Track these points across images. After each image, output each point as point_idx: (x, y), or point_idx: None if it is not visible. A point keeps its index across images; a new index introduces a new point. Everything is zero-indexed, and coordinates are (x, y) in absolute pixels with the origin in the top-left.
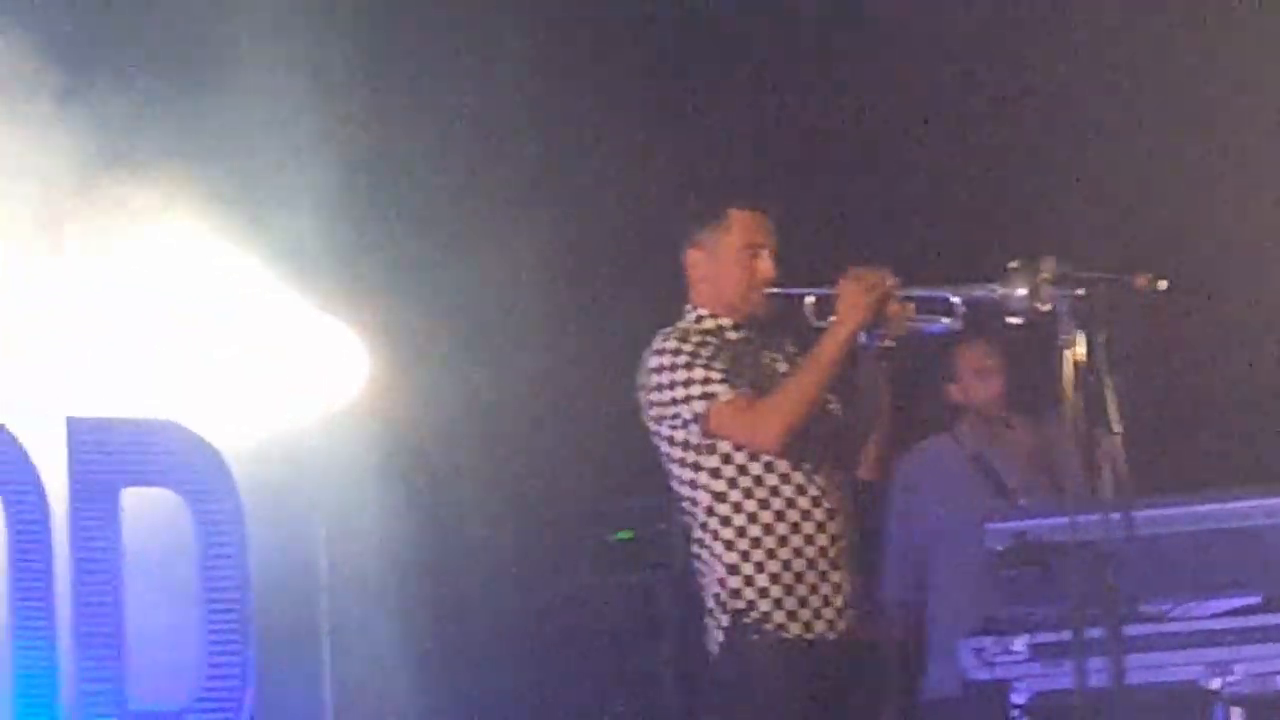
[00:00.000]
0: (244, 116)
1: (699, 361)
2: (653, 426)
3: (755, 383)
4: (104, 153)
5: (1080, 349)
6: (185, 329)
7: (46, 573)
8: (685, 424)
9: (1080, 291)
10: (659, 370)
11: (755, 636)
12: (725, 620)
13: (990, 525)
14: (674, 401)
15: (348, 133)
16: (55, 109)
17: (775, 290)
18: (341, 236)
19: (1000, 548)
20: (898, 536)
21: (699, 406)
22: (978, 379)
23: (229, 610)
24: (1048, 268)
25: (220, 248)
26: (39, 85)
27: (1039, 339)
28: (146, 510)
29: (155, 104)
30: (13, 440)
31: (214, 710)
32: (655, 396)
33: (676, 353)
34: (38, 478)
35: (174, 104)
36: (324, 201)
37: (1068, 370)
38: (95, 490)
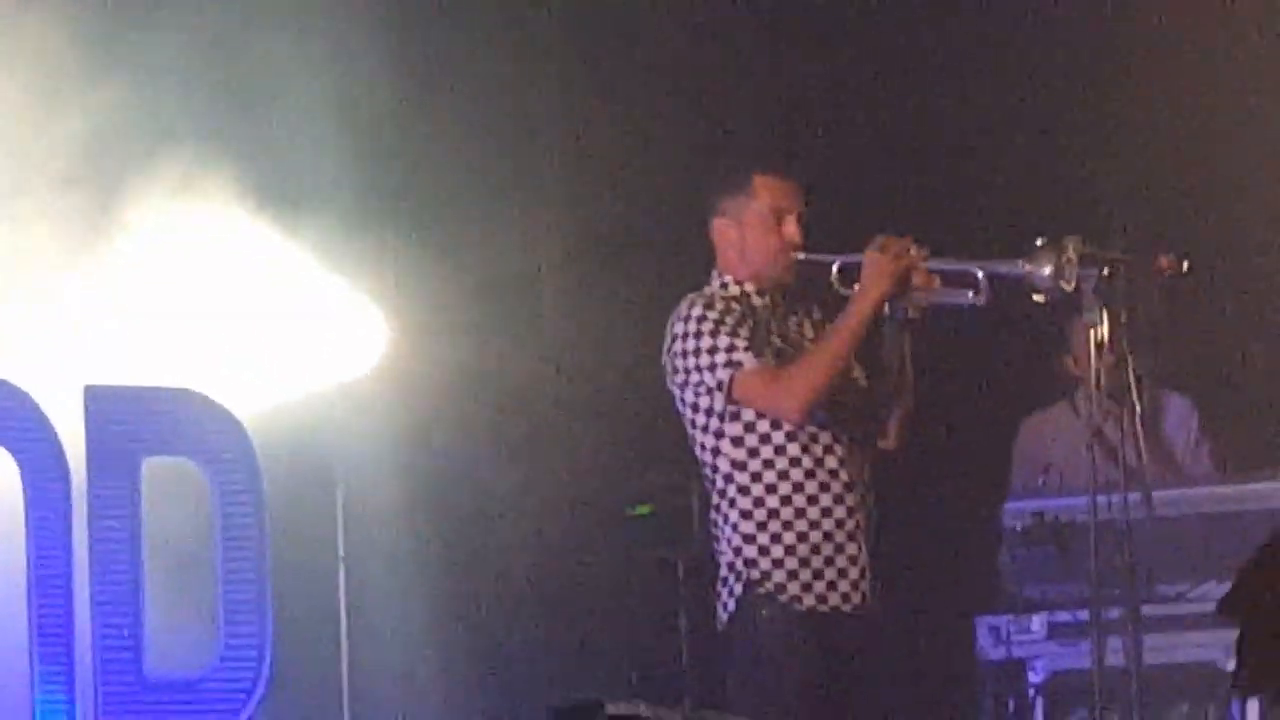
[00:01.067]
0: (268, 85)
1: (724, 329)
2: (676, 393)
3: (780, 351)
4: (130, 122)
5: (1103, 328)
6: (204, 297)
7: (65, 542)
8: (709, 391)
9: (1105, 271)
10: (684, 336)
11: (765, 610)
12: (739, 589)
13: (1010, 504)
14: (698, 369)
15: (371, 100)
16: (89, 83)
17: (801, 256)
18: (362, 205)
19: (1019, 527)
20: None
21: (723, 375)
22: (1085, 349)
23: (246, 579)
24: (1073, 246)
25: (240, 216)
26: (72, 60)
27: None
28: (165, 479)
29: (181, 75)
30: (34, 408)
31: (231, 679)
32: (680, 363)
33: (702, 319)
34: (58, 445)
35: (200, 75)
36: (345, 169)
37: (1090, 349)
38: (114, 460)
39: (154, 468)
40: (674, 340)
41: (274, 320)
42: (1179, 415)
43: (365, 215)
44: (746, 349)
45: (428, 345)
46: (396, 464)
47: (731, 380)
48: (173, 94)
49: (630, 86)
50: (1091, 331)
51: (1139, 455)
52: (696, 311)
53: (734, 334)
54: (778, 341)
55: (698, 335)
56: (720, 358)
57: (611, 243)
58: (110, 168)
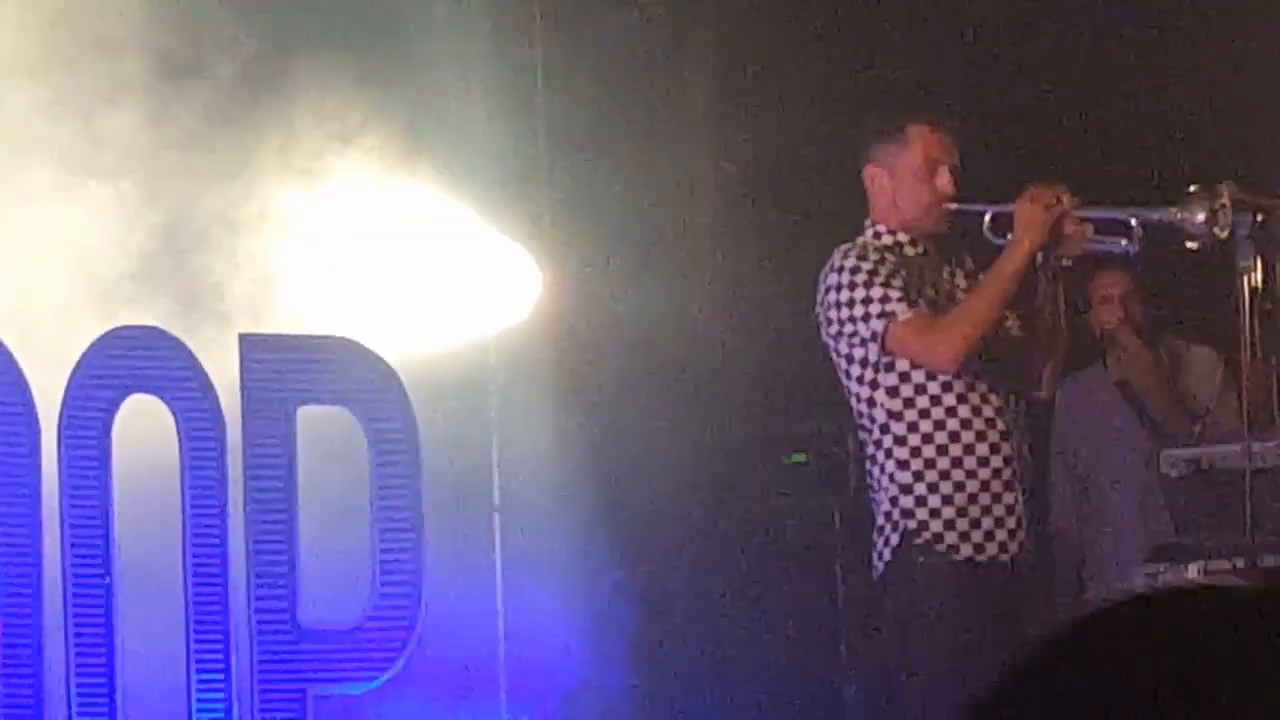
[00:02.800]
0: (422, 39)
1: (878, 279)
2: (831, 344)
3: (933, 300)
4: (285, 69)
5: (1257, 275)
6: (358, 245)
7: (220, 492)
8: (864, 342)
9: (1259, 218)
10: (838, 288)
11: (922, 558)
12: (895, 539)
13: (1166, 451)
14: (853, 319)
15: (524, 51)
16: (239, 28)
17: (954, 206)
18: (517, 155)
19: (1175, 474)
20: (1058, 466)
21: (877, 325)
22: (1100, 306)
23: (401, 528)
24: (1227, 193)
25: (394, 165)
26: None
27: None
28: (319, 428)
29: (335, 27)
30: (189, 356)
31: (385, 628)
32: (834, 314)
33: (855, 270)
34: (213, 395)
35: (356, 27)
36: (499, 120)
37: (1244, 296)
38: (269, 409)
39: (308, 416)
40: (827, 291)
41: (429, 269)
42: (1203, 367)
43: (519, 164)
44: (900, 299)
45: (583, 293)
46: (552, 413)
47: (886, 330)
48: (328, 44)
49: (783, 28)
50: (1245, 278)
51: None
52: (850, 263)
53: (887, 284)
54: (931, 292)
55: (851, 286)
56: (874, 308)
57: (767, 188)
58: (265, 116)
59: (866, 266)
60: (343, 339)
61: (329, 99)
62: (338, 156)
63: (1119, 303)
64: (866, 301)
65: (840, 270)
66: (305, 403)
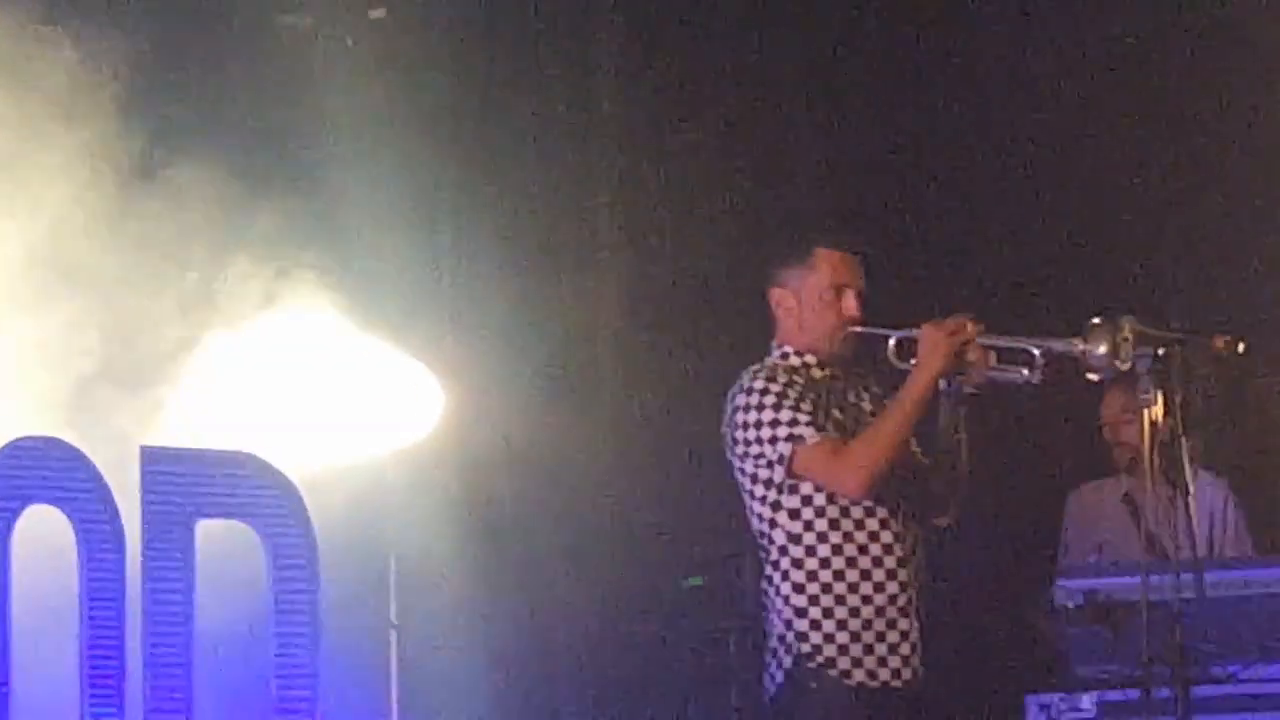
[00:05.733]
0: (326, 156)
1: (787, 402)
2: (736, 463)
3: (840, 423)
4: (193, 190)
5: (1158, 409)
6: (263, 362)
7: (119, 603)
8: (770, 464)
9: (1160, 351)
10: (746, 409)
11: (814, 684)
12: (788, 662)
13: (1061, 583)
14: (759, 441)
15: (428, 174)
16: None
17: (859, 330)
18: (421, 276)
19: (1071, 605)
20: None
21: (784, 448)
22: (1120, 425)
23: (299, 643)
24: (1128, 325)
25: (299, 285)
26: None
27: None
28: (219, 542)
29: (242, 144)
30: (89, 468)
31: None
32: (740, 434)
33: (764, 392)
34: (113, 506)
35: (264, 147)
36: (403, 240)
37: (1145, 430)
38: (168, 521)
39: (208, 529)
40: (735, 412)
41: (331, 386)
42: (1209, 492)
43: (423, 285)
44: (809, 423)
45: (483, 413)
46: (450, 531)
47: (793, 454)
48: (239, 167)
49: (693, 154)
50: (1145, 411)
51: (1191, 536)
52: (759, 384)
53: (796, 407)
54: (837, 414)
55: (760, 408)
56: (782, 431)
57: (672, 309)
58: (168, 230)
59: (775, 389)
60: (244, 453)
61: (239, 219)
62: (242, 273)
63: (1132, 424)
64: (775, 424)
65: (750, 391)
66: (205, 516)
